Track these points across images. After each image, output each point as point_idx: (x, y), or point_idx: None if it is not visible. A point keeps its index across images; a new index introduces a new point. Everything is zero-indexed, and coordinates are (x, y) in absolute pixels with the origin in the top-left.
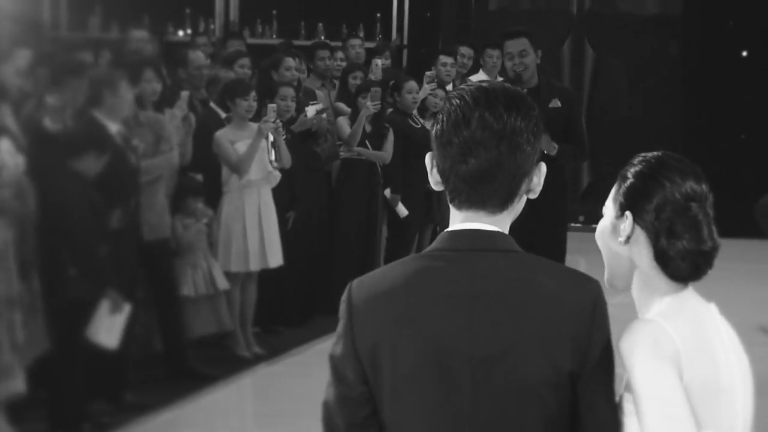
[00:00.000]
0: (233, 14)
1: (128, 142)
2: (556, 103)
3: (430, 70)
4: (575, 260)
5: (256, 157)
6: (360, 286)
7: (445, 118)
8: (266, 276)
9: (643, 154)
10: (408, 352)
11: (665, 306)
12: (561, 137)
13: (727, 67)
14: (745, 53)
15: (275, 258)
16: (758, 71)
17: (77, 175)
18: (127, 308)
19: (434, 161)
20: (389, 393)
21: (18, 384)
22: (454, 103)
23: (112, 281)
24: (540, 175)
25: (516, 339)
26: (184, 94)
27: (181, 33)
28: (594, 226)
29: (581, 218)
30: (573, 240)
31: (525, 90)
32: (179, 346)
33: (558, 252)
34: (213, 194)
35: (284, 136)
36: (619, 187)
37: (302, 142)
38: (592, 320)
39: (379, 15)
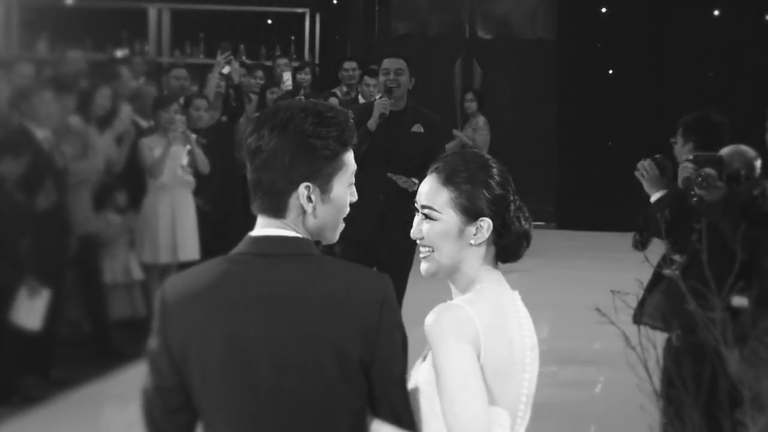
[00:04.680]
0: (165, 36)
1: (57, 147)
2: (418, 128)
3: (338, 85)
4: None
5: (170, 163)
6: (171, 285)
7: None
8: None
9: (457, 157)
10: (213, 348)
11: (473, 293)
12: (420, 161)
13: (595, 83)
14: (611, 71)
15: (187, 252)
16: (622, 86)
17: None
18: (45, 293)
19: None
20: (198, 384)
21: None
22: (264, 112)
23: (31, 269)
24: (305, 199)
25: (310, 335)
26: (126, 109)
27: (119, 53)
28: None
29: None
30: None
31: (387, 112)
32: (104, 328)
33: (406, 262)
34: (140, 195)
35: (201, 143)
36: (458, 194)
37: (220, 148)
38: (380, 314)
39: (293, 37)
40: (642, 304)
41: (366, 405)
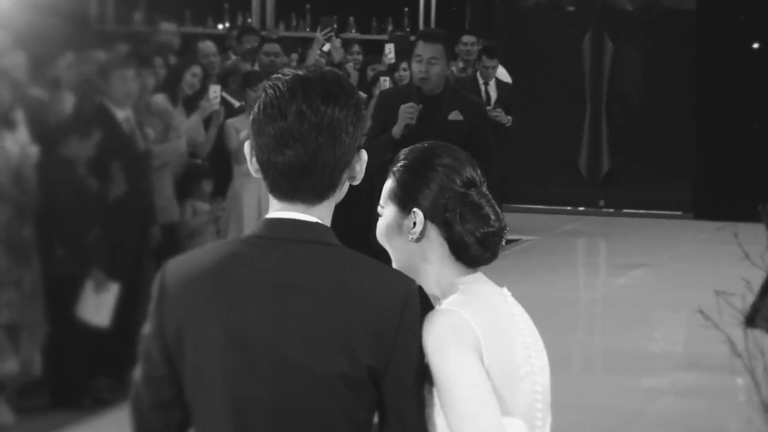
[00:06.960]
0: (269, 8)
1: (139, 128)
2: (457, 115)
3: (455, 60)
4: (595, 243)
5: None
6: (173, 267)
7: (261, 107)
8: None
9: (410, 148)
10: (212, 335)
11: (459, 294)
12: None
13: (738, 59)
14: (756, 45)
15: None
16: None
17: (66, 160)
18: (114, 287)
19: (253, 150)
20: (191, 374)
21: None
22: (269, 93)
23: (99, 261)
24: (361, 162)
25: (317, 331)
26: (215, 88)
27: (220, 26)
28: (611, 210)
29: (602, 203)
30: (594, 224)
31: (414, 121)
32: None
33: None
34: (226, 181)
35: None
36: (396, 185)
37: None
38: (400, 320)
39: (406, 9)
40: (756, 306)
41: (369, 413)
